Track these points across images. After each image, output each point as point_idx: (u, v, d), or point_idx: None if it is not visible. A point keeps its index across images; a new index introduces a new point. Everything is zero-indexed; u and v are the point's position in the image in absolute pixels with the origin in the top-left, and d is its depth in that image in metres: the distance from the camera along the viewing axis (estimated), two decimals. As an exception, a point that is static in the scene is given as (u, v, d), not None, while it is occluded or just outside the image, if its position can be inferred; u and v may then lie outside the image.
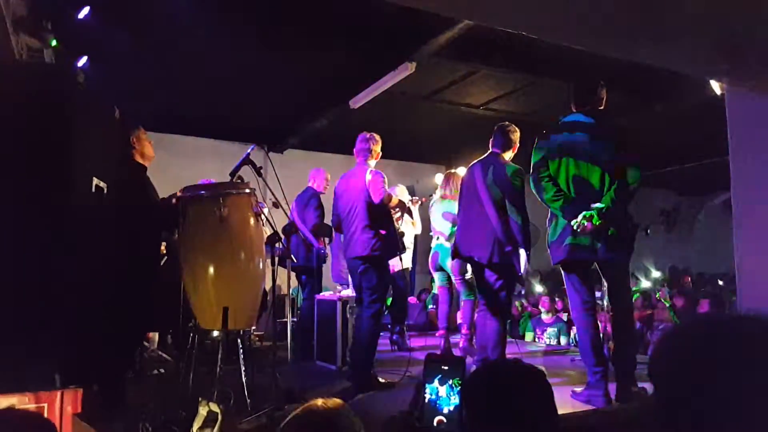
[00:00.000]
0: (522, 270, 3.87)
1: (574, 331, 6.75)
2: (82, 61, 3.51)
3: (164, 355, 4.81)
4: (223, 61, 5.40)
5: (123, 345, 3.19)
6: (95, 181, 2.65)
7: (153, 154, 3.47)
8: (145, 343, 4.78)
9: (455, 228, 5.01)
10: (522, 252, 3.83)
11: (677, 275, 11.12)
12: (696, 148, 8.51)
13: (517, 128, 4.16)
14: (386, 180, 4.03)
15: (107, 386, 2.85)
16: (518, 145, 4.14)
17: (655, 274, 9.96)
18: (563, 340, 7.05)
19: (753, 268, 3.26)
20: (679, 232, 12.64)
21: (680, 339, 0.91)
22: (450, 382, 1.14)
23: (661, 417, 0.81)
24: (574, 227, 3.28)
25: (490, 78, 6.22)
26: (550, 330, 7.24)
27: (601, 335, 3.65)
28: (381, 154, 4.22)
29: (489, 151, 4.13)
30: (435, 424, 1.09)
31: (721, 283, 9.84)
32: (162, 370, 4.34)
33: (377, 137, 4.20)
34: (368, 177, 3.97)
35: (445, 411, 1.11)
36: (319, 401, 1.40)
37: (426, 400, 1.12)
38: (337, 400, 1.39)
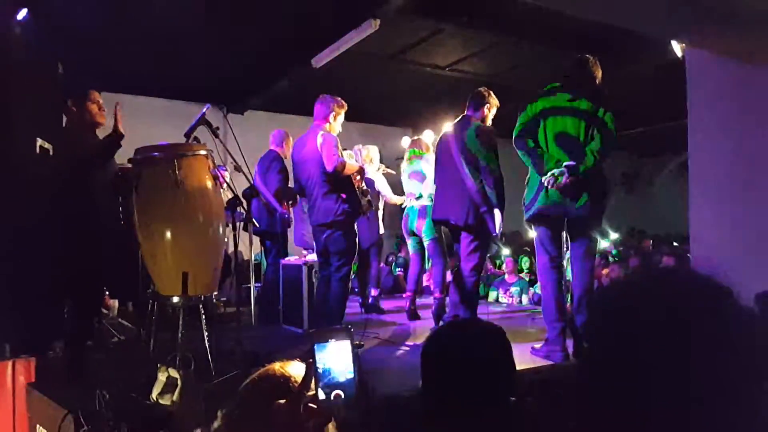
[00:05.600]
0: (497, 231, 3.92)
1: (532, 291, 6.93)
2: (22, 13, 3.24)
3: (125, 322, 4.71)
4: (178, 16, 5.14)
5: (78, 311, 3.08)
6: (39, 141, 2.50)
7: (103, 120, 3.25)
8: (105, 311, 4.67)
9: (425, 188, 5.03)
10: (497, 212, 3.86)
11: (635, 236, 11.45)
12: (656, 110, 8.66)
13: (491, 93, 4.15)
14: (339, 143, 3.88)
15: (64, 354, 2.77)
16: (494, 108, 4.12)
17: (613, 235, 10.23)
18: (524, 299, 7.24)
19: (704, 225, 3.36)
20: (638, 194, 12.98)
21: (607, 296, 0.88)
22: (341, 349, 1.09)
23: (586, 375, 0.77)
24: (544, 183, 3.36)
25: (456, 37, 6.12)
26: (513, 289, 7.42)
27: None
28: (341, 119, 4.04)
29: (462, 114, 4.12)
30: (332, 398, 1.04)
31: (675, 244, 10.17)
32: (122, 338, 4.25)
33: (340, 101, 4.01)
34: (319, 140, 3.84)
35: (341, 381, 1.06)
36: (277, 364, 1.37)
37: (319, 373, 1.07)
38: (297, 363, 1.36)
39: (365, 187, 4.27)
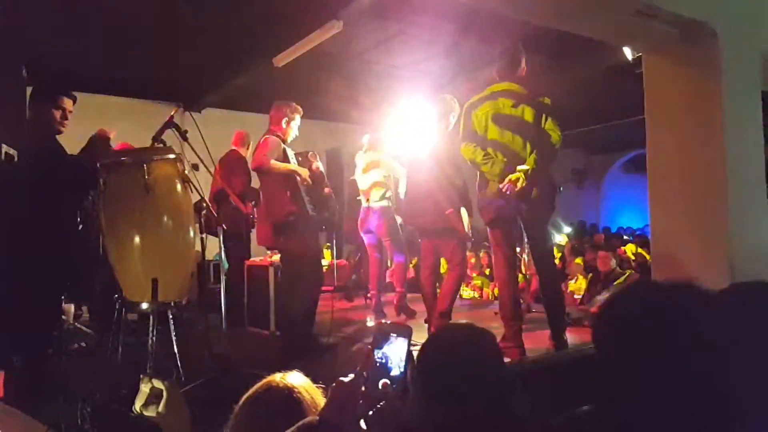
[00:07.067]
0: (466, 229, 4.03)
1: (493, 285, 7.13)
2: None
3: (83, 327, 4.56)
4: (133, 10, 4.99)
5: (42, 320, 2.98)
6: (5, 148, 2.41)
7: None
8: (62, 317, 4.51)
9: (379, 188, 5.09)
10: (463, 211, 3.97)
11: (585, 230, 11.88)
12: (606, 109, 9.00)
13: (454, 98, 4.24)
14: (277, 147, 3.80)
15: (28, 365, 2.68)
16: (456, 112, 4.21)
17: (566, 229, 10.59)
18: (485, 293, 7.45)
19: (664, 228, 3.55)
20: (588, 190, 13.45)
21: (627, 307, 0.99)
22: (398, 347, 1.17)
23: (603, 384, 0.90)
24: (502, 189, 3.45)
25: (418, 38, 6.18)
26: (474, 283, 7.61)
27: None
28: (297, 123, 3.99)
29: (429, 117, 4.21)
30: (380, 386, 1.12)
31: (625, 237, 10.62)
32: (83, 344, 4.12)
33: (294, 106, 3.96)
34: (260, 141, 3.83)
35: (392, 374, 1.15)
36: (277, 376, 1.40)
37: (376, 365, 1.15)
38: (297, 374, 1.39)
39: (327, 192, 4.22)
